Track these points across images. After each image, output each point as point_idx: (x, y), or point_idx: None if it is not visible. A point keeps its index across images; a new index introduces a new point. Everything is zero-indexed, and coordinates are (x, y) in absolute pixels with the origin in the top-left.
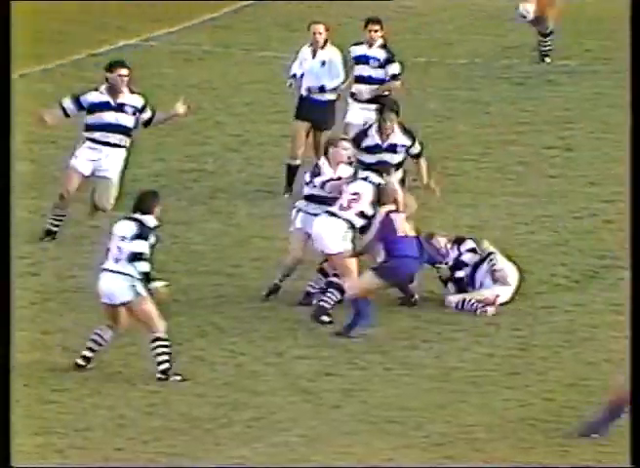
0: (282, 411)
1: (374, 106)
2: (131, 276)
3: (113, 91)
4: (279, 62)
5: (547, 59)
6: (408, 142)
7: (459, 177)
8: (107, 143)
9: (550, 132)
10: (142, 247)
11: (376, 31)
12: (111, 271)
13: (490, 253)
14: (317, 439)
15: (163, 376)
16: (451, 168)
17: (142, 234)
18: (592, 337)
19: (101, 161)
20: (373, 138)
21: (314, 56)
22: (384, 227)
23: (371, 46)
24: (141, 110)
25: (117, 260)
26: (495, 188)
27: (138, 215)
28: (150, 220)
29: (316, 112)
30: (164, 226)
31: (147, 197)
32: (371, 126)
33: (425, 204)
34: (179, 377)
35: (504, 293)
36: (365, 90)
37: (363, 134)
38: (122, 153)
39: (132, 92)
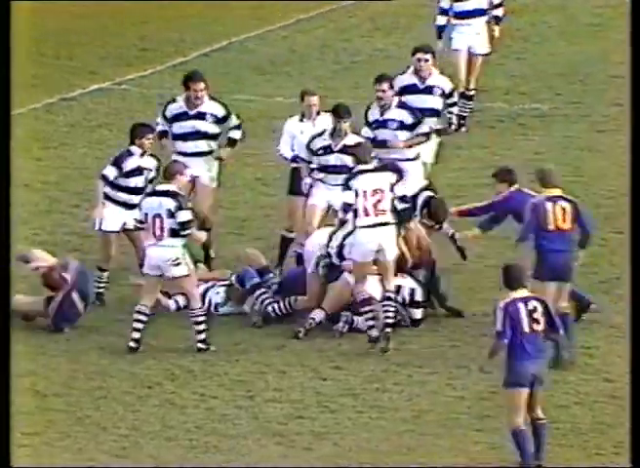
0: (253, 454)
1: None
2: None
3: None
4: (251, 106)
5: (464, 129)
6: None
7: None
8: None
9: (522, 175)
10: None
11: (384, 91)
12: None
13: None
14: None
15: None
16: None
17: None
18: (563, 380)
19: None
20: (326, 141)
21: (314, 125)
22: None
23: (386, 109)
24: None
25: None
26: (467, 231)
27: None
28: None
29: None
30: (134, 270)
31: None
32: (324, 131)
33: None
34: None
35: None
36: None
37: (318, 135)
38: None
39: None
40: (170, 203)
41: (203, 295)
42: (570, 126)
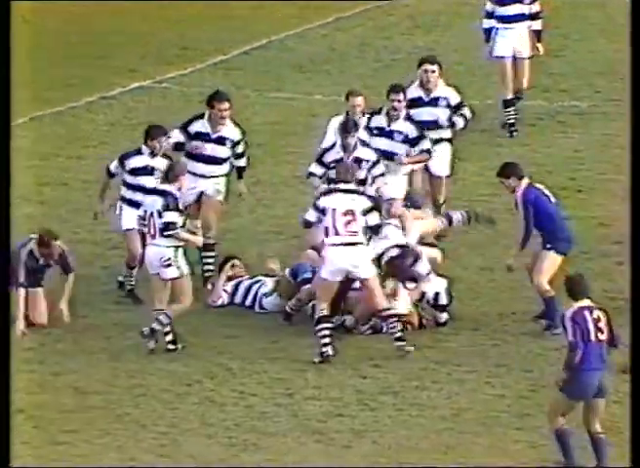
0: (292, 453)
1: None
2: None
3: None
4: (291, 103)
5: (515, 133)
6: (373, 157)
7: None
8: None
9: (561, 173)
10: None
11: (399, 101)
12: None
13: None
14: None
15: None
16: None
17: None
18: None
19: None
20: (339, 153)
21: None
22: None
23: (394, 119)
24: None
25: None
26: (505, 229)
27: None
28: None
29: None
30: None
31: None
32: (335, 144)
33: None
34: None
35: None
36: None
37: (330, 148)
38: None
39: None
40: (160, 202)
41: (248, 289)
42: (609, 124)
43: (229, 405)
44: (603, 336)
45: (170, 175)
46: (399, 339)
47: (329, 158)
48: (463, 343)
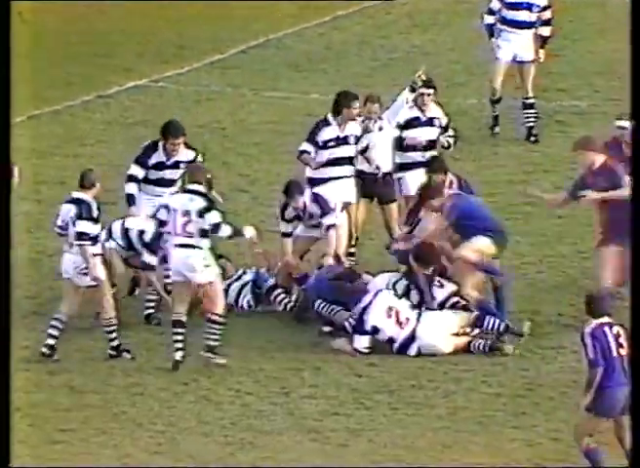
0: (288, 451)
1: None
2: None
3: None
4: (288, 103)
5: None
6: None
7: None
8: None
9: (559, 172)
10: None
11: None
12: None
13: None
14: None
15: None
16: None
17: None
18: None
19: None
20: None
21: (379, 129)
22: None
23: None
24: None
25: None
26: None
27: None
28: None
29: (378, 186)
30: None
31: None
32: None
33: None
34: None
35: None
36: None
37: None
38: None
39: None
40: (74, 211)
41: (238, 293)
42: (609, 123)
43: (226, 403)
44: (624, 351)
45: (85, 183)
46: (210, 349)
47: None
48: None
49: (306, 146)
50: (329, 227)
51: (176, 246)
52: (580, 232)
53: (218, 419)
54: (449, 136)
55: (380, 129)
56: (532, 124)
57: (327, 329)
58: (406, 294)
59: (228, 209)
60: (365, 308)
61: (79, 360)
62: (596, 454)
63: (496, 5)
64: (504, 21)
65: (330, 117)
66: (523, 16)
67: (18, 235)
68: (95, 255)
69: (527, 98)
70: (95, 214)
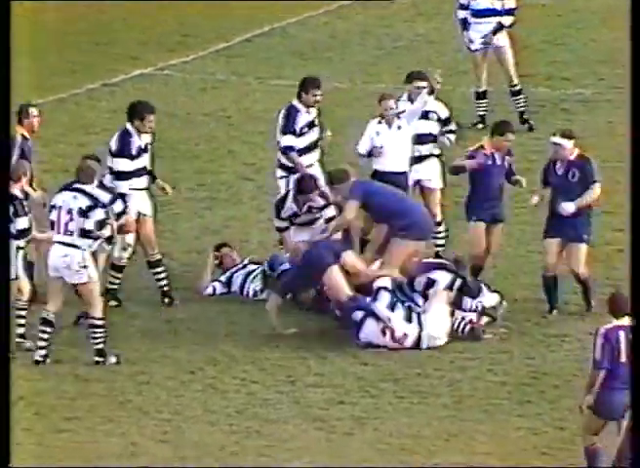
0: (294, 439)
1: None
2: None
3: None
4: (292, 91)
5: (531, 122)
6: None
7: None
8: None
9: None
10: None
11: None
12: None
13: None
14: (329, 467)
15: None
16: (464, 196)
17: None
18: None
19: None
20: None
21: (398, 128)
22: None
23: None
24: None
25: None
26: (508, 216)
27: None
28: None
29: (394, 183)
30: (177, 254)
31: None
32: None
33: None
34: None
35: None
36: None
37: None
38: None
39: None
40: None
41: (243, 282)
42: (613, 111)
43: (232, 392)
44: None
45: (13, 176)
46: (99, 353)
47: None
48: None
49: (290, 141)
50: (329, 220)
51: (56, 243)
52: None
53: (223, 408)
54: (449, 132)
55: (399, 128)
56: (522, 109)
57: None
58: (392, 308)
59: (233, 197)
60: (359, 327)
61: (84, 348)
62: (595, 455)
63: None
64: (473, 13)
65: (296, 103)
66: (485, 3)
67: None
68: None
69: (513, 86)
70: (27, 208)
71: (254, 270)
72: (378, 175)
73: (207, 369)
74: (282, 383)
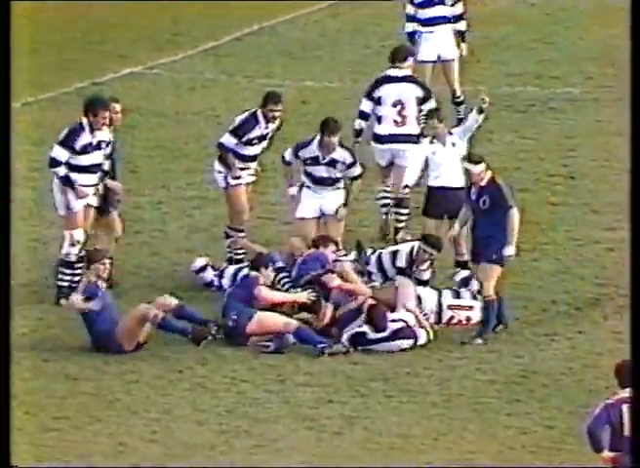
0: (284, 439)
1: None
2: None
3: None
4: (282, 90)
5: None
6: (349, 159)
7: None
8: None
9: (553, 159)
10: None
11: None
12: None
13: None
14: (319, 466)
15: None
16: None
17: None
18: (594, 365)
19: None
20: (313, 152)
21: (452, 145)
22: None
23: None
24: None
25: None
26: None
27: None
28: None
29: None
30: (167, 253)
31: None
32: (314, 138)
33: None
34: None
35: None
36: None
37: (303, 145)
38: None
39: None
40: None
41: (234, 277)
42: (601, 110)
43: (221, 391)
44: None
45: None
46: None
47: (305, 154)
48: (455, 329)
49: (231, 142)
50: (355, 178)
51: None
52: (573, 220)
53: (213, 407)
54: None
55: (454, 145)
56: (462, 117)
57: None
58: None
59: (222, 196)
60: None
61: (72, 347)
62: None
63: (410, 10)
64: (421, 23)
65: (259, 113)
66: (436, 11)
67: (12, 223)
68: None
69: (456, 97)
70: None
71: (241, 268)
72: (436, 191)
73: (196, 368)
74: (271, 382)
